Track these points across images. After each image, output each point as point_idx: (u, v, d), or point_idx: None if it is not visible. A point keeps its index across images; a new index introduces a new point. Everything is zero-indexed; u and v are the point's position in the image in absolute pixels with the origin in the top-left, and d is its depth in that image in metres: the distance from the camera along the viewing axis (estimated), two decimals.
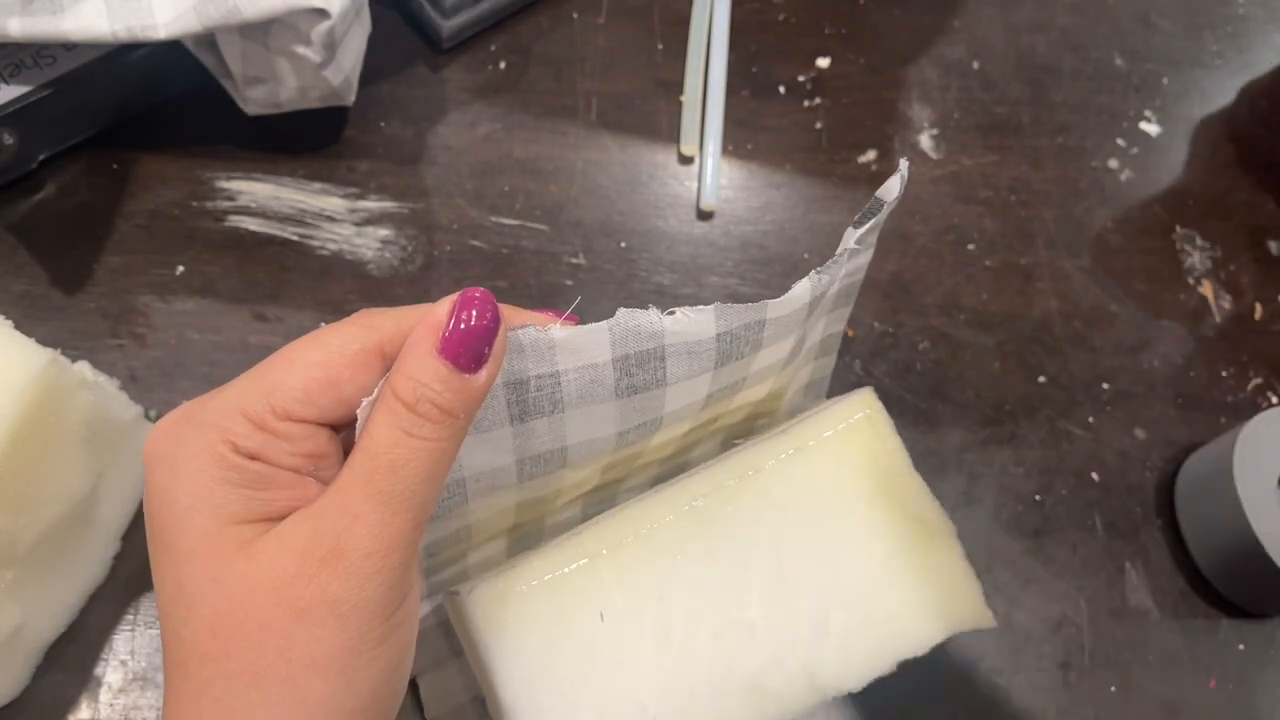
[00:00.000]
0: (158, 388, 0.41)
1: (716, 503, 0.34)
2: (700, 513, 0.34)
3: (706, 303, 0.43)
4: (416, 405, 0.22)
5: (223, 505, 0.22)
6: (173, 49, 0.40)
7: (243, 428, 0.22)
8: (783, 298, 0.30)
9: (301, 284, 0.44)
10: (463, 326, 0.23)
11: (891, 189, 0.30)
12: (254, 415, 0.22)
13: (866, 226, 0.31)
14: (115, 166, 0.45)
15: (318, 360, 0.23)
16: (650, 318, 0.27)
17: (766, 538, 0.34)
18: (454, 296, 0.23)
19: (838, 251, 0.31)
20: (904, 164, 0.30)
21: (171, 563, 0.22)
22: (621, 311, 0.27)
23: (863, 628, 0.33)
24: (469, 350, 0.23)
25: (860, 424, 0.36)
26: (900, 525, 0.35)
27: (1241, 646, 0.43)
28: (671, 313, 0.28)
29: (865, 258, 0.35)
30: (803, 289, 0.30)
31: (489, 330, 0.23)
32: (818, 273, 0.30)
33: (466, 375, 0.23)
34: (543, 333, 0.26)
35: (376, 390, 0.23)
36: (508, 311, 0.26)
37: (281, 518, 0.23)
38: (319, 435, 0.23)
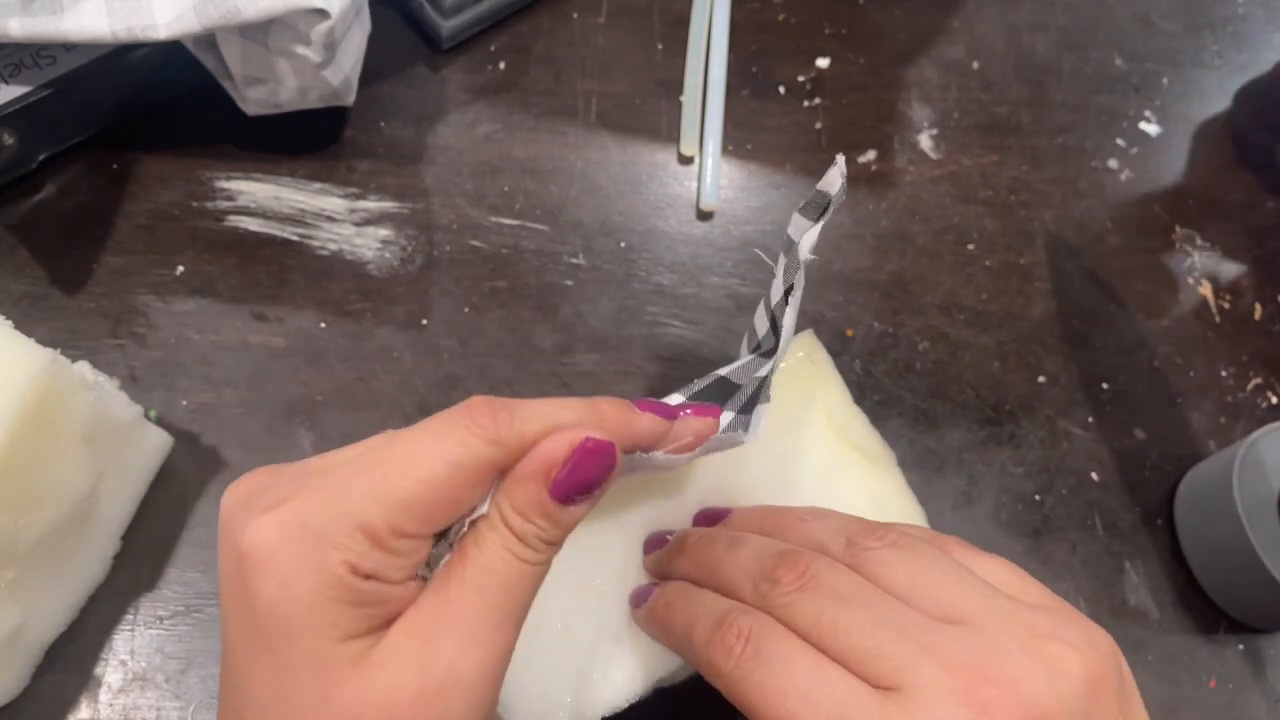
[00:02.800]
0: (158, 387, 0.41)
1: None
2: None
3: (706, 302, 0.45)
4: (526, 538, 0.24)
5: (336, 624, 0.22)
6: (173, 49, 0.40)
7: (361, 547, 0.22)
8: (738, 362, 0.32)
9: (301, 284, 0.44)
10: (578, 478, 0.24)
11: (833, 182, 0.30)
12: (373, 533, 0.22)
13: (818, 228, 0.31)
14: (115, 166, 0.45)
15: (441, 477, 0.22)
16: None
17: (712, 471, 0.35)
18: (573, 438, 0.24)
19: (783, 276, 0.32)
20: (840, 159, 0.30)
21: (277, 671, 0.22)
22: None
23: None
24: (577, 493, 0.24)
25: (801, 363, 0.38)
26: (844, 454, 0.36)
27: (1241, 646, 0.43)
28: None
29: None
30: (749, 360, 0.32)
31: (601, 482, 0.24)
32: (759, 354, 0.32)
33: (569, 509, 0.24)
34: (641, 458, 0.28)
35: (488, 504, 0.24)
36: (628, 420, 0.26)
37: (388, 624, 0.23)
38: (427, 544, 0.23)
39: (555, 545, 0.24)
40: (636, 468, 0.29)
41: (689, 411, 0.29)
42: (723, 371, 0.32)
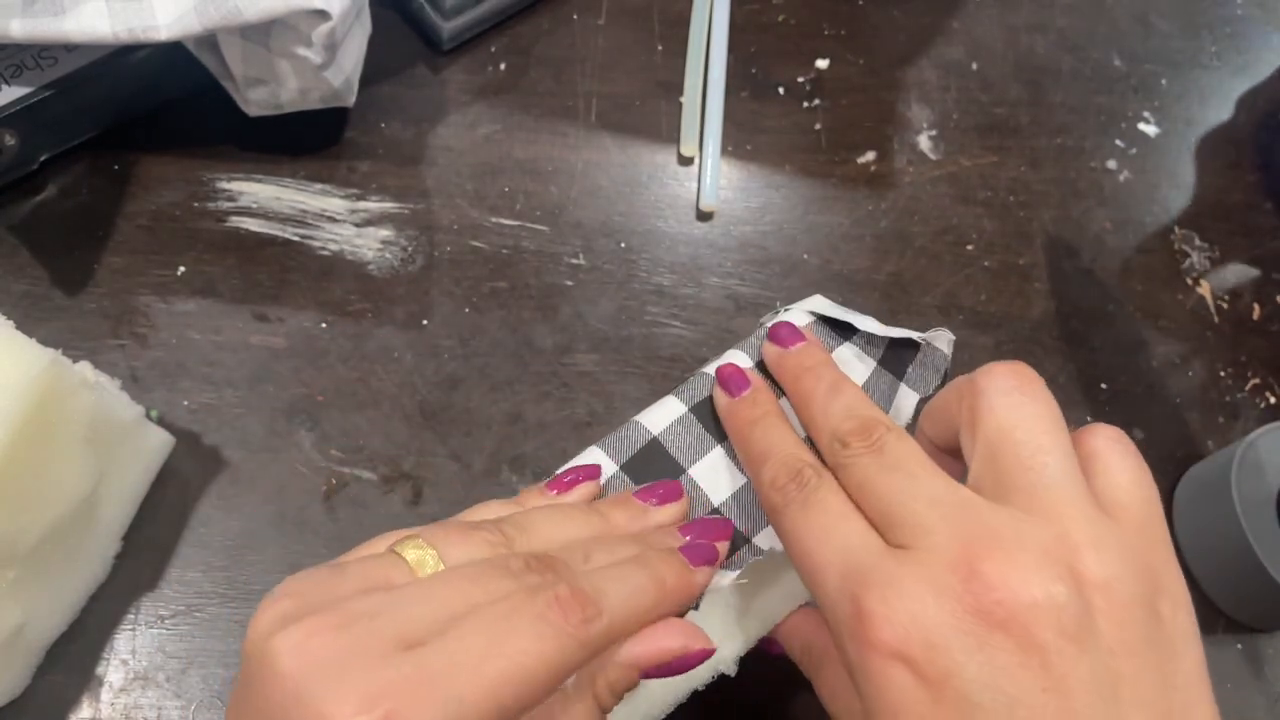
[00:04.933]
0: (159, 387, 0.41)
1: None
2: None
3: (706, 302, 0.46)
4: (609, 708, 0.26)
5: None
6: (174, 50, 0.40)
7: None
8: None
9: (302, 284, 0.44)
10: (676, 670, 0.27)
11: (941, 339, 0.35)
12: None
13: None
14: (116, 167, 0.45)
15: (540, 681, 0.23)
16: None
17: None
18: (684, 645, 0.26)
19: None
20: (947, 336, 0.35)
21: None
22: None
23: None
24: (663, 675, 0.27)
25: None
26: None
27: (1240, 646, 0.43)
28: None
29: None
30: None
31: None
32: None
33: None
34: None
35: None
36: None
37: None
38: None
39: (619, 701, 0.27)
40: None
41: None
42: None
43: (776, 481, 0.28)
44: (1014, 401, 0.27)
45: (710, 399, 0.35)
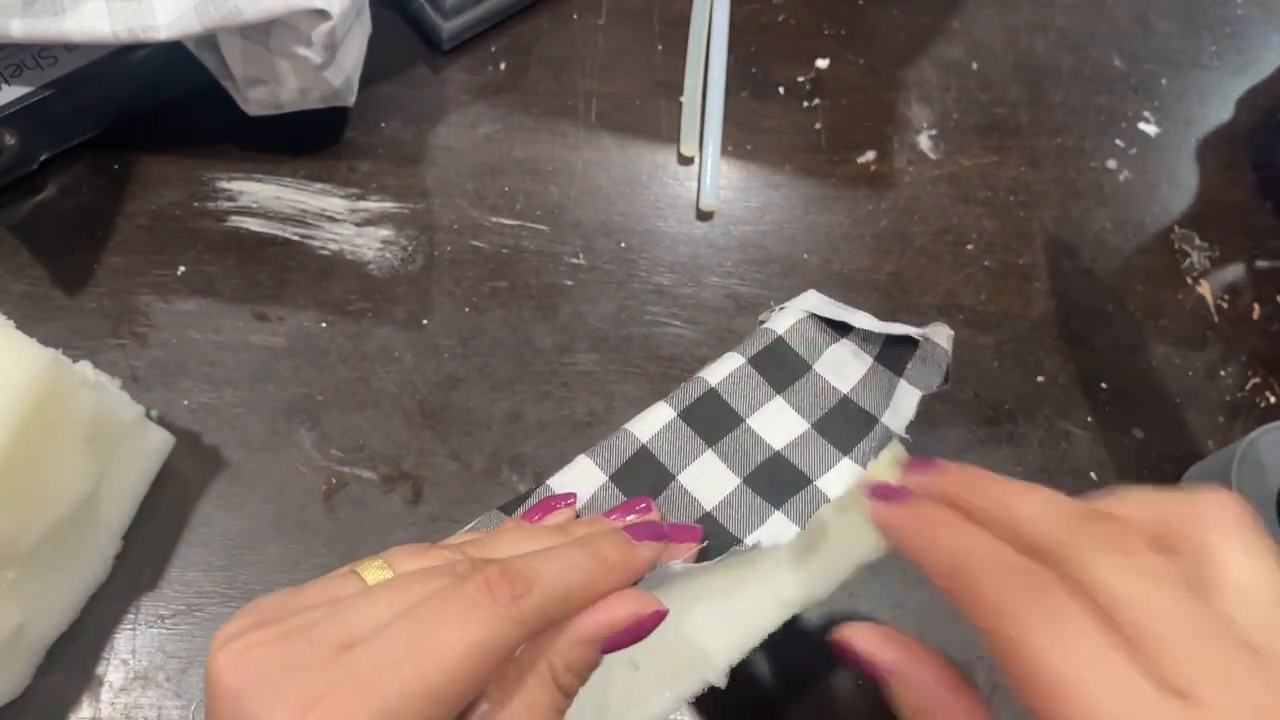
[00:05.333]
0: (159, 387, 0.41)
1: None
2: None
3: (706, 302, 0.46)
4: (570, 689, 0.25)
5: None
6: (174, 50, 0.40)
7: None
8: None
9: (302, 284, 0.44)
10: (632, 638, 0.26)
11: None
12: None
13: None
14: (117, 167, 0.45)
15: (473, 665, 0.22)
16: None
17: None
18: (636, 611, 0.26)
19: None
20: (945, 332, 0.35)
21: None
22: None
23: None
24: (623, 647, 0.26)
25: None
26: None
27: None
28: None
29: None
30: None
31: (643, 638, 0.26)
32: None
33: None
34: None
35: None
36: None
37: None
38: None
39: (583, 682, 0.26)
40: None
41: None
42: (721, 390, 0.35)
43: (1005, 583, 0.23)
44: (1265, 561, 0.23)
45: (700, 402, 0.35)
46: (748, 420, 0.36)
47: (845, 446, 0.35)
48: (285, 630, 0.22)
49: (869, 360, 0.36)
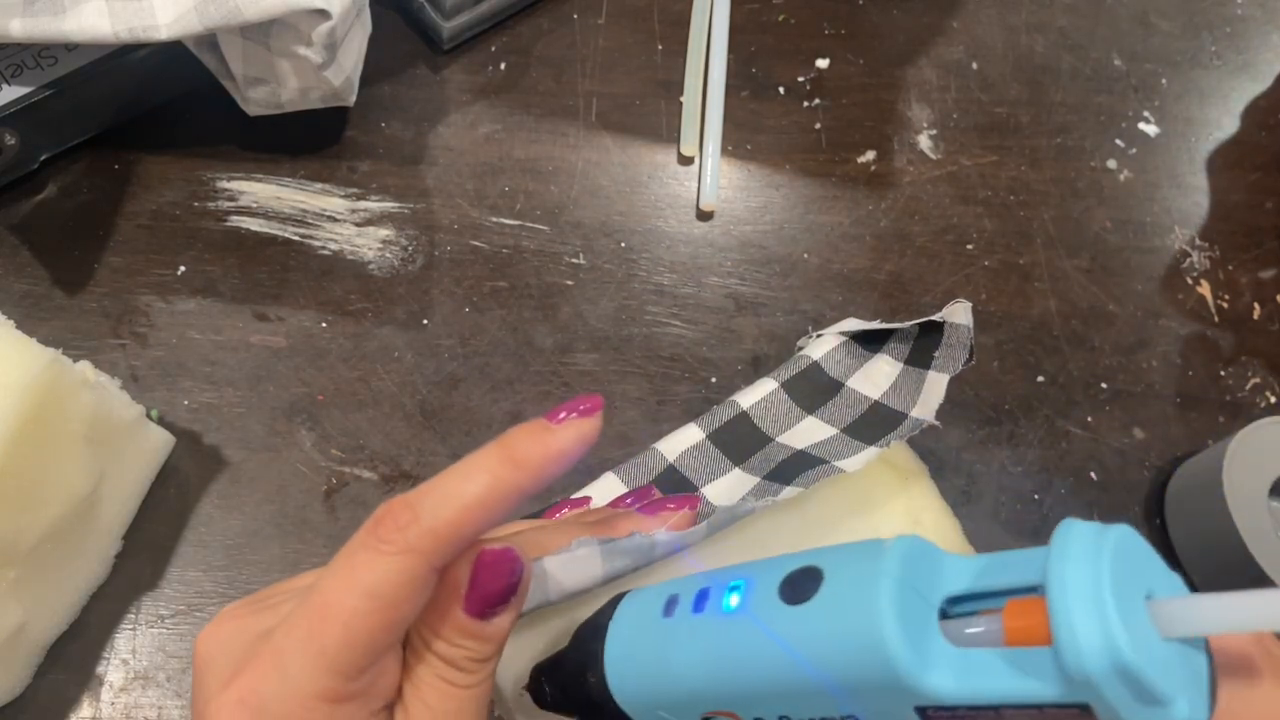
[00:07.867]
0: (159, 387, 0.41)
1: None
2: None
3: (706, 302, 0.46)
4: (457, 662, 0.23)
5: None
6: (174, 50, 0.40)
7: (324, 712, 0.21)
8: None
9: (303, 284, 0.44)
10: (488, 590, 0.23)
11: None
12: (330, 694, 0.21)
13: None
14: (117, 167, 0.45)
15: (366, 610, 0.21)
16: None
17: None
18: (474, 555, 0.23)
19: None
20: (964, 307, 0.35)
21: None
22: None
23: None
24: (493, 605, 0.23)
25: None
26: (878, 468, 0.36)
27: None
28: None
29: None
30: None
31: (514, 588, 0.23)
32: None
33: (492, 621, 0.23)
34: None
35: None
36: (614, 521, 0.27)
37: None
38: (394, 656, 0.23)
39: (490, 662, 0.24)
40: (649, 559, 0.29)
41: (662, 503, 0.29)
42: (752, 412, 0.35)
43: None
44: None
45: (730, 425, 0.35)
46: (777, 439, 0.36)
47: (872, 439, 0.35)
48: (256, 608, 0.24)
49: (900, 365, 0.36)
